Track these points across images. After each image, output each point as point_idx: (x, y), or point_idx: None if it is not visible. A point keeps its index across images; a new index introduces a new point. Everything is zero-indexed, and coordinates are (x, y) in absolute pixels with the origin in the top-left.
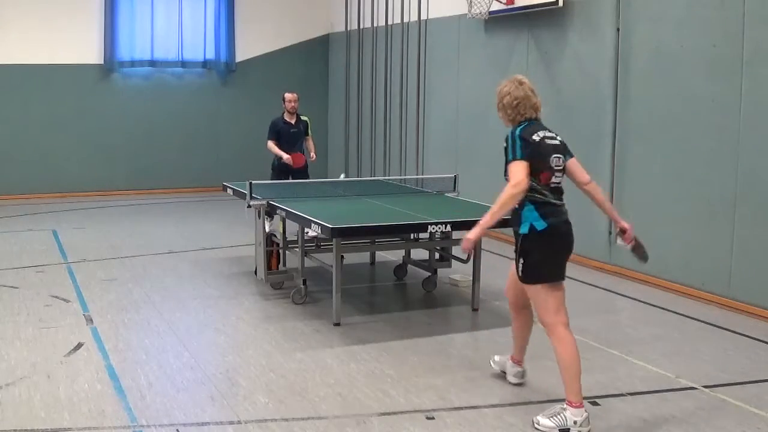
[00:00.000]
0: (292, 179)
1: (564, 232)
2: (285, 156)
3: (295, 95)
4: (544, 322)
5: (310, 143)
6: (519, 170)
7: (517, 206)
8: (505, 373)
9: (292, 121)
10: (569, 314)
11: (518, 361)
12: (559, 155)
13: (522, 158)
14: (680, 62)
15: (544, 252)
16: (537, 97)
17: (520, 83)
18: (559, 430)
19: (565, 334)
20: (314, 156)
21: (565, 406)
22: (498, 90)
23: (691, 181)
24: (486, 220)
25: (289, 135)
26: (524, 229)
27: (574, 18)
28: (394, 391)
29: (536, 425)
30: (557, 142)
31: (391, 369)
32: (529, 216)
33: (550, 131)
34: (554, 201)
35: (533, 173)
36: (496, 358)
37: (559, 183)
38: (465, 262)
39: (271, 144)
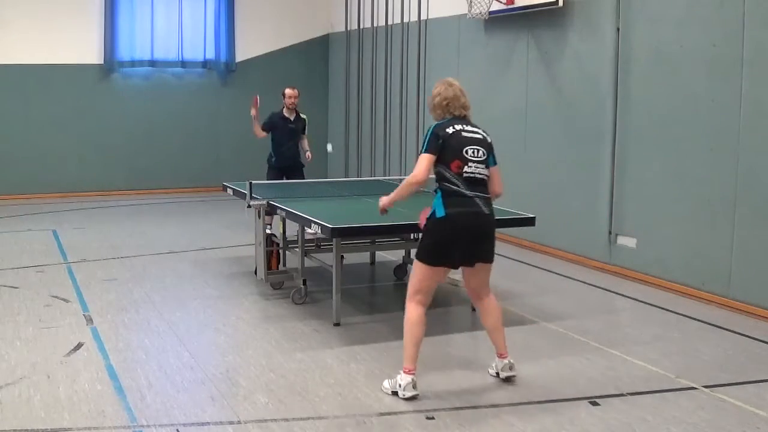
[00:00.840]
0: (286, 179)
1: (462, 223)
2: (253, 110)
3: (295, 91)
4: (408, 292)
5: (305, 142)
6: (419, 163)
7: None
8: (498, 374)
9: (291, 117)
10: (569, 314)
11: (501, 355)
12: (477, 147)
13: (426, 151)
14: (680, 62)
15: (436, 238)
16: (465, 97)
17: (450, 84)
18: (392, 391)
19: (411, 308)
20: (310, 155)
21: (401, 371)
22: (432, 92)
23: (691, 181)
24: (386, 200)
25: (285, 130)
26: (429, 214)
27: (574, 18)
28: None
29: (382, 387)
30: (479, 136)
31: (391, 369)
32: (436, 203)
33: (475, 127)
34: (464, 191)
35: (444, 163)
36: (492, 364)
37: (474, 174)
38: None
39: (258, 130)
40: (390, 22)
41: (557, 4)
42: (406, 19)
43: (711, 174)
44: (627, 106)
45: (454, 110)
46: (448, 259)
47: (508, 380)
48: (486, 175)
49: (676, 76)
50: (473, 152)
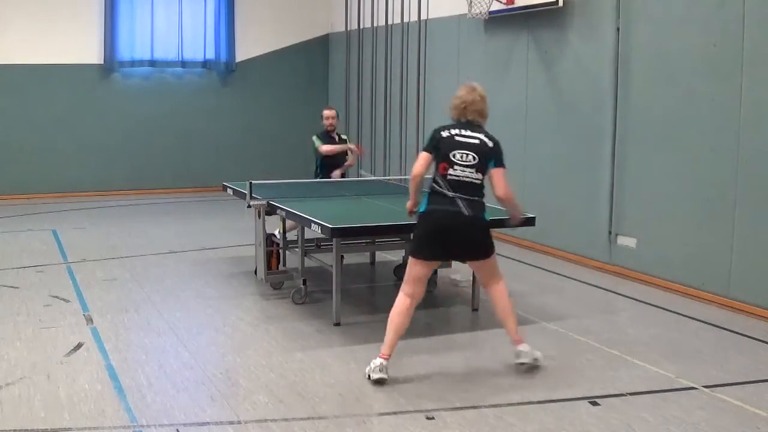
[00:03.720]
0: None
1: (438, 220)
2: (351, 145)
3: (333, 111)
4: (402, 287)
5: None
6: (417, 161)
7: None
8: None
9: (336, 138)
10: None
11: (513, 341)
12: (467, 152)
13: (424, 149)
14: (680, 62)
15: (419, 232)
16: (485, 103)
17: (473, 89)
18: (368, 376)
19: (401, 299)
20: (360, 150)
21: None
22: (456, 93)
23: (691, 181)
24: (409, 203)
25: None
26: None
27: (574, 18)
28: (394, 391)
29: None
30: (476, 141)
31: (391, 369)
32: (423, 200)
33: (476, 132)
34: (446, 192)
35: (435, 163)
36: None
37: (459, 177)
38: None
39: (327, 147)
40: (390, 22)
41: (557, 4)
42: (406, 19)
43: (711, 174)
44: (627, 106)
45: (468, 114)
46: (429, 252)
47: (522, 364)
48: (476, 179)
49: (676, 76)
50: (461, 156)
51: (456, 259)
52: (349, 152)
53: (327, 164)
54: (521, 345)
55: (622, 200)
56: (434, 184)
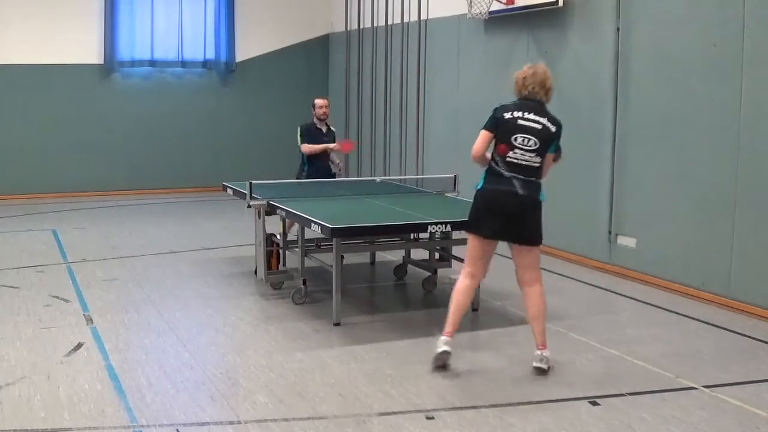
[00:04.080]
0: None
1: (493, 198)
2: (334, 145)
3: (325, 101)
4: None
5: (334, 155)
6: (477, 138)
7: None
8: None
9: (323, 129)
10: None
11: (537, 345)
12: (529, 137)
13: (484, 128)
14: (680, 62)
15: (475, 208)
16: (546, 75)
17: (534, 65)
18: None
19: (461, 279)
20: (341, 166)
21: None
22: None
23: (691, 181)
24: None
25: (320, 142)
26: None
27: (574, 18)
28: (394, 391)
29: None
30: (538, 126)
31: (391, 369)
32: (481, 177)
33: (538, 115)
34: (503, 172)
35: (495, 144)
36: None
37: (518, 160)
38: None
39: (307, 147)
40: (390, 22)
41: (557, 4)
42: (406, 19)
43: (711, 174)
44: (627, 106)
45: (530, 85)
46: (483, 228)
47: (539, 371)
48: (535, 163)
49: (676, 76)
50: (522, 140)
51: (507, 239)
52: (331, 152)
53: (312, 159)
54: (545, 351)
55: (622, 200)
56: (492, 163)
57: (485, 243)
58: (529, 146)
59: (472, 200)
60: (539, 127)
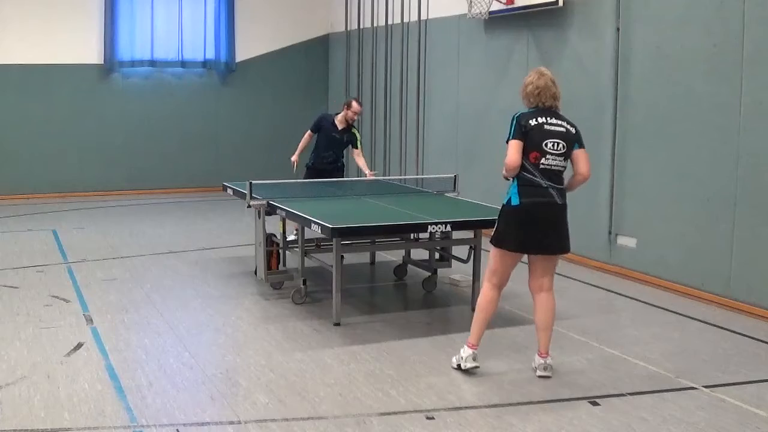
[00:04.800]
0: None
1: (535, 212)
2: (294, 157)
3: (361, 108)
4: (485, 274)
5: (361, 160)
6: (510, 150)
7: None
8: (535, 369)
9: (339, 127)
10: (569, 314)
11: (540, 353)
12: (558, 141)
13: (513, 138)
14: (680, 62)
15: (510, 224)
16: (556, 87)
17: (542, 74)
18: (456, 365)
19: (486, 288)
20: (370, 174)
21: (464, 345)
22: (524, 79)
23: (691, 181)
24: None
25: (330, 139)
26: (504, 200)
27: (574, 18)
28: (394, 391)
29: (451, 364)
30: (562, 129)
31: (391, 369)
32: (512, 190)
33: (560, 120)
34: (540, 181)
35: (524, 152)
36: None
37: (551, 166)
38: (465, 262)
39: (305, 135)
40: (390, 22)
41: (557, 4)
42: (406, 19)
43: (711, 174)
44: (627, 106)
45: (545, 100)
46: (518, 244)
47: (544, 378)
48: (562, 167)
49: (676, 76)
50: (552, 145)
51: (540, 252)
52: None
53: (318, 145)
54: (549, 358)
55: (622, 200)
56: (525, 174)
57: (516, 256)
58: (558, 150)
59: (499, 215)
60: (563, 130)
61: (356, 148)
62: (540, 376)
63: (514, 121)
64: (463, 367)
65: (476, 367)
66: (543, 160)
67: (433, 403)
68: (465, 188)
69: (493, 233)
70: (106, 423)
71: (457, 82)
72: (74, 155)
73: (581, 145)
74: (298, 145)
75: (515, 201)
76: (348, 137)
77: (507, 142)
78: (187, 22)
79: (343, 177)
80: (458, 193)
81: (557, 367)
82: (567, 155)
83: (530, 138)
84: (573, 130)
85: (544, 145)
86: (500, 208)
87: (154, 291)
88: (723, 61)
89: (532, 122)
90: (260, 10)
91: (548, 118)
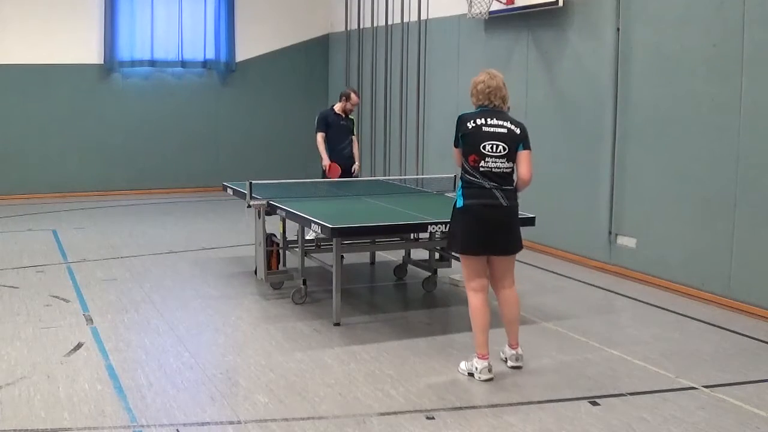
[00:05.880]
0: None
1: (479, 213)
2: (326, 162)
3: (359, 100)
4: (466, 284)
5: (355, 146)
6: (454, 156)
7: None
8: (506, 360)
9: (342, 115)
10: (569, 314)
11: (511, 345)
12: (496, 143)
13: (455, 144)
14: (680, 62)
15: (460, 227)
16: (506, 89)
17: (494, 76)
18: (468, 373)
19: (472, 297)
20: (357, 168)
21: (475, 354)
22: (473, 79)
23: (691, 181)
24: None
25: (339, 127)
26: (453, 202)
27: (574, 18)
28: (394, 391)
29: (458, 368)
30: (504, 130)
31: (391, 369)
32: (458, 192)
33: (501, 120)
34: (481, 182)
35: (464, 156)
36: (503, 349)
37: (491, 168)
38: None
39: (320, 139)
40: (390, 22)
41: (557, 4)
42: (406, 19)
43: (711, 174)
44: (627, 106)
45: (494, 99)
46: (477, 246)
47: (515, 369)
48: (506, 168)
49: (676, 76)
50: (492, 147)
51: (493, 253)
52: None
53: (332, 145)
54: (520, 349)
55: (622, 200)
56: (468, 176)
57: (481, 258)
58: (498, 152)
59: (451, 217)
60: (504, 131)
61: (353, 134)
62: (512, 367)
63: (456, 123)
64: (477, 378)
65: (491, 378)
66: (482, 163)
67: (433, 403)
68: None
69: (448, 242)
70: (106, 423)
71: (457, 82)
72: (74, 155)
73: (526, 146)
74: (318, 151)
75: (460, 203)
76: (351, 123)
77: (453, 142)
78: (187, 22)
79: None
80: None
81: (557, 367)
82: (511, 157)
83: (468, 141)
84: (518, 131)
85: (481, 147)
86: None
87: (154, 291)
88: (723, 61)
89: (470, 125)
90: (260, 10)
91: (489, 119)
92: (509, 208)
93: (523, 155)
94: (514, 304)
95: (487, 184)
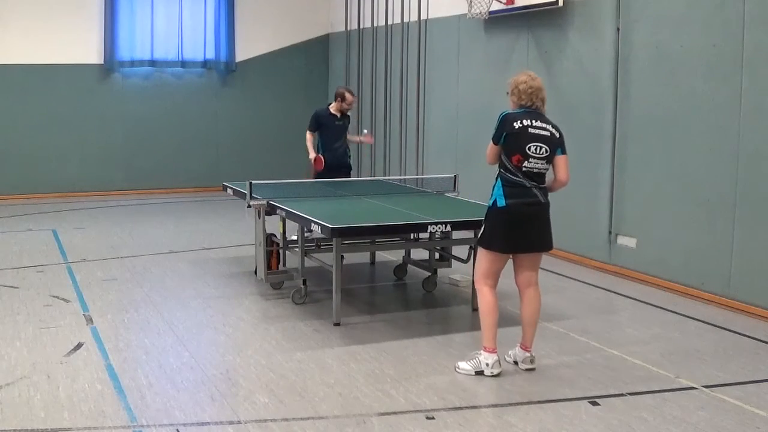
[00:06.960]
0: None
1: (521, 212)
2: (312, 155)
3: (354, 98)
4: (475, 280)
5: (349, 136)
6: (489, 150)
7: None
8: (517, 363)
9: (338, 115)
10: (569, 314)
11: (524, 347)
12: (541, 145)
13: (492, 140)
14: (680, 62)
15: (497, 226)
16: (545, 91)
17: (535, 77)
18: (475, 371)
19: (485, 291)
20: (365, 134)
21: (480, 351)
22: (514, 78)
23: (691, 181)
24: None
25: (334, 128)
26: (490, 202)
27: (574, 18)
28: (394, 391)
29: (456, 369)
30: (547, 133)
31: (391, 369)
32: (496, 192)
33: (544, 123)
34: (523, 182)
35: (506, 155)
36: (510, 352)
37: (532, 169)
38: (465, 262)
39: (308, 136)
40: (390, 22)
41: (557, 4)
42: (406, 19)
43: (711, 174)
44: (627, 106)
45: (536, 100)
46: (506, 245)
47: (528, 371)
48: (544, 169)
49: (676, 76)
50: (536, 149)
51: (527, 251)
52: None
53: (326, 143)
54: (531, 352)
55: (622, 200)
56: (510, 176)
57: (506, 257)
58: (541, 154)
59: (486, 216)
60: (547, 134)
61: (348, 132)
62: (526, 369)
63: (500, 121)
64: (488, 373)
65: (500, 373)
66: (526, 163)
67: (433, 403)
68: (465, 188)
69: (480, 235)
70: (106, 423)
71: (457, 82)
72: (74, 155)
73: (563, 151)
74: (307, 147)
75: (501, 203)
76: (347, 121)
77: (492, 139)
78: (187, 22)
79: (350, 175)
80: (458, 192)
81: (557, 367)
82: (550, 159)
83: (514, 141)
84: (557, 135)
85: (527, 148)
86: (486, 209)
87: (154, 291)
88: (723, 61)
89: (517, 125)
90: (260, 10)
91: (534, 121)
92: (546, 205)
93: (562, 159)
94: (536, 304)
95: (527, 183)
